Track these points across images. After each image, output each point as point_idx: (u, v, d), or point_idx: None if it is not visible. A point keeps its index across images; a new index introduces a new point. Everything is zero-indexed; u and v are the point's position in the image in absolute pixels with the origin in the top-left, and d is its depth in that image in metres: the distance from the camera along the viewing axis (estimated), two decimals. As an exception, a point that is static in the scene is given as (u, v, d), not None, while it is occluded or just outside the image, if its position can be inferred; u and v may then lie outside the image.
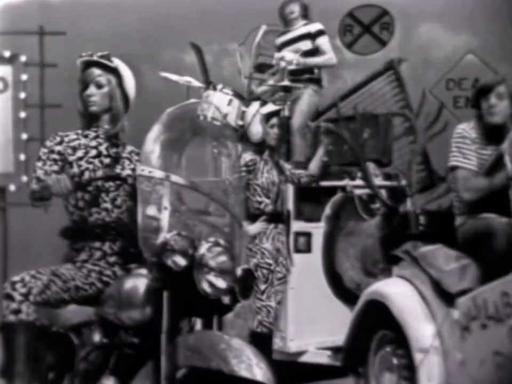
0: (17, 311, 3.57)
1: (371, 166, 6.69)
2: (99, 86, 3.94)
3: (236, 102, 6.73)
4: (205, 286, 3.29)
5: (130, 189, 3.85)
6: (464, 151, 4.78)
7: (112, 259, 3.83)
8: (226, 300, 3.39)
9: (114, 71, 3.98)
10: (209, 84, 7.16)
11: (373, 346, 5.05)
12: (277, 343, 6.15)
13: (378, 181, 6.66)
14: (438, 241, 4.85)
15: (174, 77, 7.14)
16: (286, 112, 6.80)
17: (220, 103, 6.72)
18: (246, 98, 6.96)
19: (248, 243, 5.90)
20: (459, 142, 4.81)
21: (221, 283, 3.32)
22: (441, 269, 4.64)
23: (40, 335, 3.67)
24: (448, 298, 4.59)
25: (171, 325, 3.26)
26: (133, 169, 3.88)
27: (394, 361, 4.86)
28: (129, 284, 3.53)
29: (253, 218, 5.94)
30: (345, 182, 6.58)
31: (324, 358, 6.14)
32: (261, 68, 7.32)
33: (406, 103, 6.89)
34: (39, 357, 3.73)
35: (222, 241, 3.40)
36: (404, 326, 4.72)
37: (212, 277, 3.31)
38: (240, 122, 6.45)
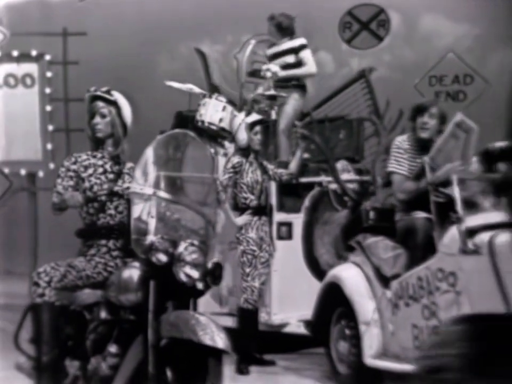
0: (42, 295, 4.67)
1: (344, 163, 7.70)
2: (103, 116, 4.98)
3: (229, 108, 7.82)
4: (182, 276, 4.35)
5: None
6: (399, 159, 5.82)
7: (115, 253, 4.90)
8: (200, 286, 4.44)
9: (115, 103, 5.02)
10: (209, 91, 8.20)
11: (333, 320, 6.12)
12: (263, 317, 7.17)
13: (350, 175, 7.66)
14: (382, 233, 5.89)
15: (177, 84, 8.16)
16: (273, 116, 7.84)
17: (215, 110, 7.80)
18: (238, 104, 8.01)
19: (236, 233, 6.95)
20: (395, 152, 5.86)
21: (195, 274, 4.37)
22: (380, 257, 5.70)
23: (60, 312, 4.75)
24: (385, 281, 5.65)
25: (156, 306, 4.30)
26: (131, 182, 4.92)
27: (347, 332, 5.93)
28: (126, 273, 4.57)
29: (240, 211, 6.99)
30: (321, 178, 7.60)
31: (303, 329, 7.17)
32: (255, 73, 8.32)
33: (375, 108, 7.85)
34: (60, 329, 4.80)
35: (196, 242, 4.45)
36: (353, 303, 5.80)
37: (187, 269, 4.37)
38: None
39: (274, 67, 7.69)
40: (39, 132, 12.49)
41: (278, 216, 7.32)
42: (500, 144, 5.83)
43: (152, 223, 4.46)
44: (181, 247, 4.40)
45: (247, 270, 6.87)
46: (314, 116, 8.14)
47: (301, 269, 7.36)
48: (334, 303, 6.07)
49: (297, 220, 7.44)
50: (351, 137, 7.91)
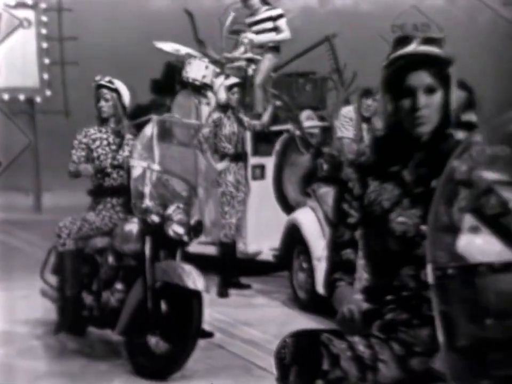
0: (63, 244, 6.03)
1: (309, 112, 9.00)
2: (106, 100, 6.25)
3: (211, 67, 9.08)
4: (171, 232, 5.69)
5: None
6: (346, 126, 7.14)
7: (117, 209, 6.22)
8: (185, 239, 5.79)
9: (116, 90, 6.27)
10: (196, 44, 9.42)
11: (295, 255, 7.50)
12: (240, 247, 8.55)
13: (314, 123, 8.97)
14: (333, 183, 7.22)
15: (166, 46, 9.39)
16: (250, 72, 9.12)
17: (198, 68, 9.07)
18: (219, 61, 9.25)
19: (216, 177, 8.28)
20: (342, 121, 7.18)
21: (181, 230, 5.72)
22: (329, 204, 7.04)
23: (78, 256, 6.13)
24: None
25: (151, 255, 5.66)
26: (130, 151, 6.21)
27: (304, 265, 7.31)
28: (127, 227, 5.90)
29: (220, 158, 8.30)
30: (289, 125, 8.90)
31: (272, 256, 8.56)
32: (236, 32, 9.55)
33: (336, 67, 9.14)
34: (78, 269, 6.17)
35: (181, 205, 5.79)
36: (308, 242, 7.17)
37: (175, 227, 5.71)
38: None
39: (250, 35, 8.94)
40: (36, 64, 13.83)
41: (253, 160, 8.63)
42: None
43: (147, 190, 5.80)
44: (170, 210, 5.75)
45: (226, 208, 8.23)
46: (285, 70, 9.43)
47: (272, 205, 8.69)
48: (294, 241, 7.43)
49: (269, 163, 8.76)
50: (315, 90, 9.21)
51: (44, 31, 13.62)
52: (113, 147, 6.26)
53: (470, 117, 7.20)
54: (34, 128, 14.63)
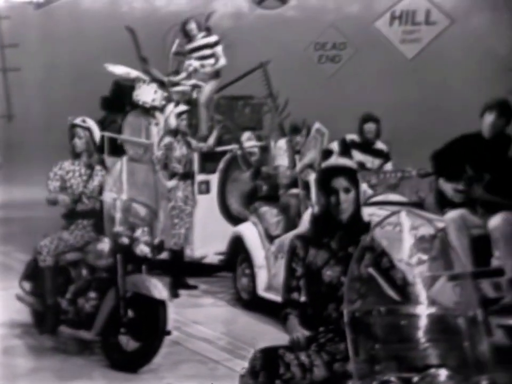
0: (44, 261, 7.17)
1: (249, 133, 10.24)
2: (80, 137, 7.36)
3: (160, 91, 10.25)
4: (138, 251, 6.88)
5: (99, 192, 7.33)
6: (282, 156, 8.39)
7: (88, 229, 7.34)
8: (149, 256, 6.97)
9: (88, 129, 7.39)
10: (139, 62, 10.59)
11: (238, 262, 8.73)
12: (188, 252, 9.76)
13: (253, 143, 10.21)
14: (271, 202, 8.48)
15: (117, 69, 10.52)
16: (194, 95, 10.33)
17: (147, 92, 10.24)
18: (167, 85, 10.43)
19: (167, 192, 9.44)
20: (278, 151, 8.44)
21: (146, 250, 6.90)
22: (268, 222, 8.30)
23: (55, 269, 7.26)
24: (270, 239, 8.28)
25: (122, 270, 6.84)
26: (99, 181, 7.35)
27: (247, 271, 8.56)
28: (100, 246, 7.06)
29: (170, 177, 9.48)
30: (232, 146, 10.12)
31: (217, 260, 9.74)
32: (180, 53, 10.75)
33: (270, 92, 10.45)
34: (56, 280, 7.29)
35: (146, 228, 6.98)
36: (250, 252, 8.43)
37: (141, 247, 6.89)
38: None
39: (194, 63, 10.14)
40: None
41: (199, 177, 9.81)
42: (352, 136, 8.51)
43: (117, 216, 6.96)
44: (137, 233, 6.93)
45: (176, 221, 9.39)
46: (223, 93, 10.69)
47: (216, 215, 9.95)
48: (238, 250, 8.68)
49: (214, 179, 9.99)
50: (253, 113, 10.51)
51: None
52: (84, 177, 7.36)
53: (382, 146, 8.64)
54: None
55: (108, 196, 7.03)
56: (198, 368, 6.75)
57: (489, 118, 6.60)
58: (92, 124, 7.44)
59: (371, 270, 3.56)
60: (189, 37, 10.44)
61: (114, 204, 6.97)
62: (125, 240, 6.88)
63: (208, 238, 9.79)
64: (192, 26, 10.36)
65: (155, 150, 9.54)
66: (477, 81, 12.18)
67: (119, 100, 10.84)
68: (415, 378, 3.35)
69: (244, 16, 13.30)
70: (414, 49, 12.54)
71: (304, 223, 7.75)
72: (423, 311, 3.43)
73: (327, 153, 7.94)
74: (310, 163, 8.13)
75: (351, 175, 4.18)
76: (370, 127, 8.54)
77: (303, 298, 4.21)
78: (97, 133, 7.44)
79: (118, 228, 6.90)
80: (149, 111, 10.34)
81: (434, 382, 3.31)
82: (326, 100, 11.93)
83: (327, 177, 4.17)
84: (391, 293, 3.52)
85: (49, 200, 7.28)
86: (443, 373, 3.29)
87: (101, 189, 7.26)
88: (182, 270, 9.42)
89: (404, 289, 3.63)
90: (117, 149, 10.37)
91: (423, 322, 3.41)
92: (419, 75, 12.38)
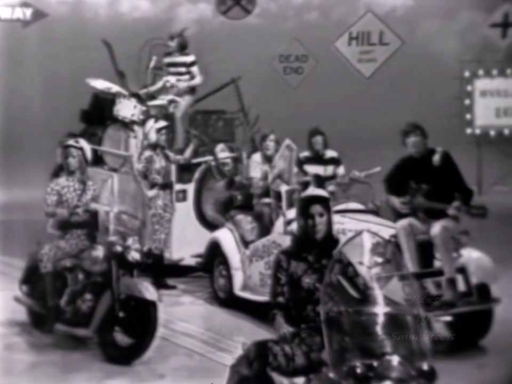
0: (45, 267, 8.02)
1: (222, 146, 11.14)
2: (73, 157, 8.21)
3: (139, 106, 11.11)
4: (130, 258, 7.76)
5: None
6: (255, 168, 9.30)
7: (82, 237, 8.19)
8: (140, 260, 7.85)
9: (81, 149, 8.24)
10: (116, 75, 11.42)
11: (215, 264, 9.62)
12: (167, 255, 10.61)
13: (226, 154, 11.11)
14: (246, 210, 9.39)
15: (98, 84, 11.35)
16: (171, 110, 11.22)
17: (127, 107, 11.09)
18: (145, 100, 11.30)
19: (148, 201, 10.29)
20: (252, 164, 9.35)
21: (137, 256, 7.80)
22: (243, 228, 9.21)
23: (54, 274, 8.10)
24: (245, 244, 9.18)
25: (116, 274, 7.70)
26: (92, 195, 8.21)
27: (224, 273, 9.44)
28: (94, 254, 7.91)
29: (150, 187, 10.34)
30: (207, 158, 11.00)
31: (193, 261, 10.61)
32: (157, 68, 11.64)
33: (241, 107, 11.37)
34: (55, 284, 8.12)
35: (136, 237, 7.86)
36: (227, 255, 9.33)
37: (132, 254, 7.78)
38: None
39: (172, 79, 11.02)
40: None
41: (177, 186, 10.69)
42: (304, 153, 9.55)
43: (111, 227, 7.84)
44: (129, 241, 7.81)
45: (156, 227, 10.25)
46: (198, 108, 11.59)
47: (192, 221, 10.83)
48: (216, 254, 9.56)
49: (190, 188, 10.88)
50: (226, 126, 11.44)
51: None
52: (78, 192, 8.21)
53: (332, 154, 9.74)
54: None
55: (101, 209, 7.89)
56: (185, 361, 7.64)
57: (413, 139, 7.77)
58: (84, 143, 8.29)
59: (340, 278, 4.53)
60: (168, 49, 11.29)
61: (107, 216, 7.84)
62: (119, 248, 7.75)
63: (185, 242, 10.64)
64: (173, 44, 11.21)
65: (135, 162, 10.41)
66: (428, 91, 13.33)
67: (98, 113, 11.56)
68: (375, 363, 4.40)
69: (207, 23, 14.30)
70: (370, 69, 13.62)
71: (276, 230, 8.70)
72: (381, 310, 4.48)
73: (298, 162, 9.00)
74: (280, 174, 9.07)
75: (324, 202, 5.19)
76: (317, 139, 9.65)
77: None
78: (88, 152, 8.28)
79: (112, 238, 7.77)
80: (128, 125, 11.18)
81: (389, 366, 4.37)
82: (290, 110, 12.96)
83: (305, 204, 5.18)
84: (356, 295, 4.50)
85: (48, 213, 8.13)
86: (395, 359, 4.38)
87: (93, 202, 8.13)
88: (162, 272, 10.27)
89: (365, 292, 4.60)
90: (97, 160, 11.17)
91: (380, 319, 4.47)
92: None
